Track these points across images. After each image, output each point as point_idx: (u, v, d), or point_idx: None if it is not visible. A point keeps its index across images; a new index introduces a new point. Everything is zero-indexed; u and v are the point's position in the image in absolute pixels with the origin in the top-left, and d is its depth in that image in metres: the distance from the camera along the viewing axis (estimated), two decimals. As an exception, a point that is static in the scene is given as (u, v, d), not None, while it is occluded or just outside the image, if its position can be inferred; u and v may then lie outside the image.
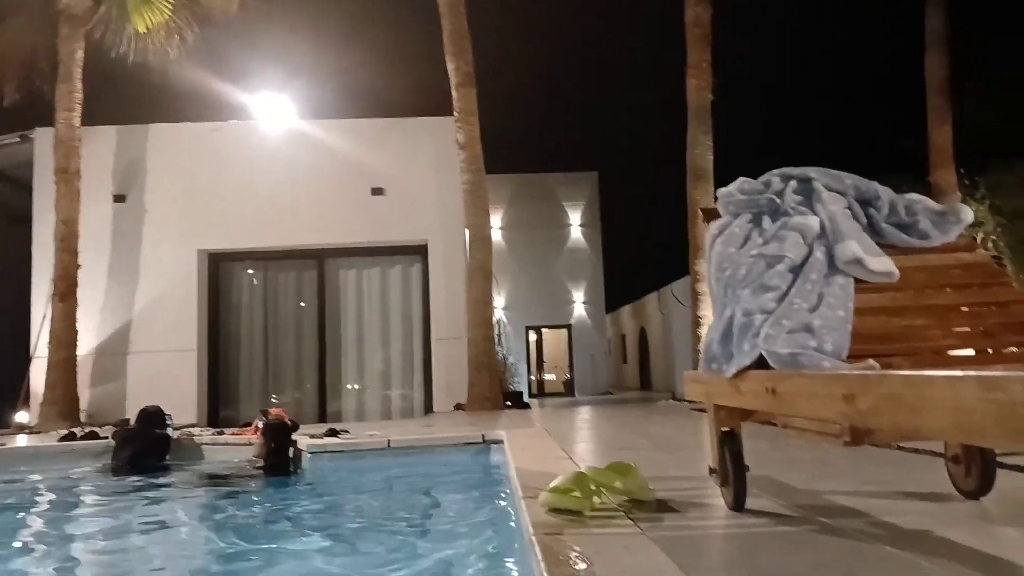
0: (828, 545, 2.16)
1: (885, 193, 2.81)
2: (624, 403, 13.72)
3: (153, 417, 6.98)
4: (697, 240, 11.09)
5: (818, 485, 3.19)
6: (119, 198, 12.02)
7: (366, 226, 12.11)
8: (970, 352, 2.33)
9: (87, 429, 8.72)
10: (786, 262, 2.54)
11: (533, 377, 24.03)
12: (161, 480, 6.23)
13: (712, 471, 2.84)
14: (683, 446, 5.07)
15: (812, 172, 2.89)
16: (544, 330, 23.86)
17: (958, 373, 1.23)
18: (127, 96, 14.08)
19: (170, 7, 11.51)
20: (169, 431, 7.12)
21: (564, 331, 22.94)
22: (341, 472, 5.92)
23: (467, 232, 11.81)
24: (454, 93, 11.98)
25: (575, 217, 22.74)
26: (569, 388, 22.78)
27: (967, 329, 2.37)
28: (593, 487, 2.82)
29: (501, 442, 5.88)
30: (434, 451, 6.17)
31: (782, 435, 2.26)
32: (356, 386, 12.40)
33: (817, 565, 1.94)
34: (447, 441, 6.23)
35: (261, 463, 5.83)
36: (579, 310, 22.46)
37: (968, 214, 2.78)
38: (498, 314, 18.90)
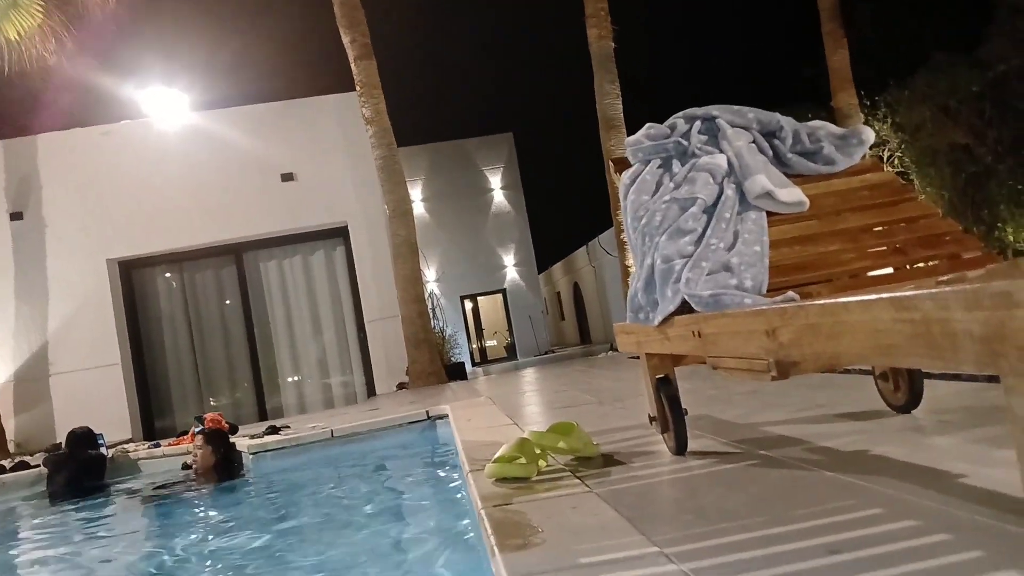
0: (770, 478, 2.19)
1: (788, 123, 2.82)
2: (565, 360, 13.85)
3: (83, 438, 6.71)
4: (615, 190, 11.16)
5: (756, 418, 3.24)
6: (16, 216, 11.40)
7: (281, 214, 11.79)
8: (888, 271, 2.37)
9: (16, 459, 8.33)
10: (699, 204, 2.53)
11: (474, 346, 24.06)
12: (100, 500, 6.01)
13: (652, 419, 2.85)
14: (624, 395, 5.12)
15: (715, 110, 2.88)
16: (479, 298, 23.87)
17: (871, 297, 1.22)
18: (10, 108, 13.29)
19: (41, 10, 10.82)
20: (103, 450, 6.87)
21: (499, 296, 22.99)
22: (286, 469, 5.79)
23: (387, 208, 11.61)
24: (353, 67, 11.67)
25: (495, 180, 22.65)
26: (511, 352, 22.91)
27: (880, 249, 2.41)
28: (537, 451, 2.80)
29: (446, 416, 5.84)
30: (380, 434, 6.10)
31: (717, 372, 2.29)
32: (294, 379, 12.17)
33: (760, 499, 1.95)
34: (391, 422, 6.16)
35: (199, 471, 5.66)
36: (511, 273, 22.51)
37: (869, 135, 2.81)
38: (430, 287, 18.78)
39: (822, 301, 1.46)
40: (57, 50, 11.34)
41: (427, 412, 6.15)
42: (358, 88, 11.68)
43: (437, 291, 20.92)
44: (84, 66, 12.38)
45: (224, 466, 5.59)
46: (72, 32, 11.47)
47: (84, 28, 11.74)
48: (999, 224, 11.21)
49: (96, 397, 10.88)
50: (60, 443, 8.51)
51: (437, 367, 11.47)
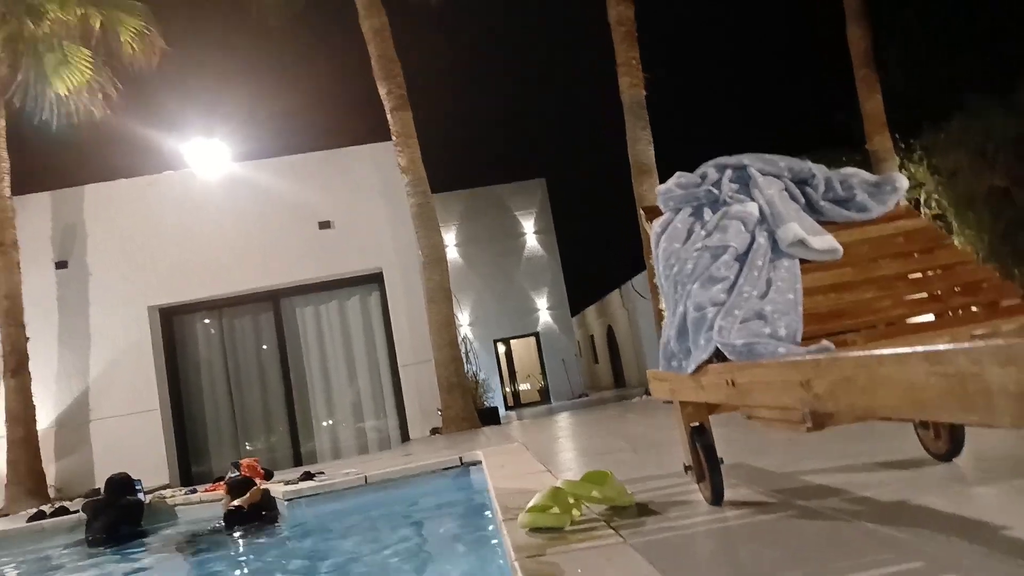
0: (808, 530, 2.15)
1: (819, 170, 2.83)
2: (599, 404, 13.73)
3: (121, 484, 6.81)
4: (648, 234, 11.18)
5: (793, 467, 3.19)
6: (61, 264, 11.74)
7: (318, 261, 11.99)
8: (925, 319, 2.34)
9: (56, 505, 8.45)
10: (731, 251, 2.53)
11: (507, 389, 23.98)
12: (139, 548, 6.06)
13: (687, 468, 2.82)
14: (659, 443, 5.06)
15: (746, 159, 2.90)
16: (512, 341, 23.85)
17: (905, 350, 1.22)
18: (58, 160, 13.79)
19: (90, 66, 11.29)
20: (140, 496, 6.95)
21: (532, 339, 22.94)
22: (321, 516, 5.80)
23: (421, 254, 11.74)
24: (390, 118, 11.93)
25: (528, 225, 22.80)
26: (544, 395, 22.77)
27: (916, 296, 2.39)
28: (571, 500, 2.78)
29: (479, 463, 5.82)
30: (413, 481, 6.08)
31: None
32: (329, 424, 12.23)
33: (798, 552, 1.92)
34: (424, 469, 6.15)
35: (231, 519, 5.70)
36: (544, 316, 22.49)
37: (903, 181, 2.81)
38: (463, 331, 18.83)
39: (856, 353, 1.46)
40: (104, 104, 11.78)
41: (460, 458, 6.13)
42: (394, 138, 11.92)
43: (470, 335, 20.98)
44: (129, 119, 12.82)
45: (234, 515, 5.59)
46: (118, 86, 11.93)
47: (130, 83, 12.20)
48: (1041, 268, 10.97)
49: (135, 442, 11.04)
50: (98, 488, 8.64)
51: (470, 412, 11.45)
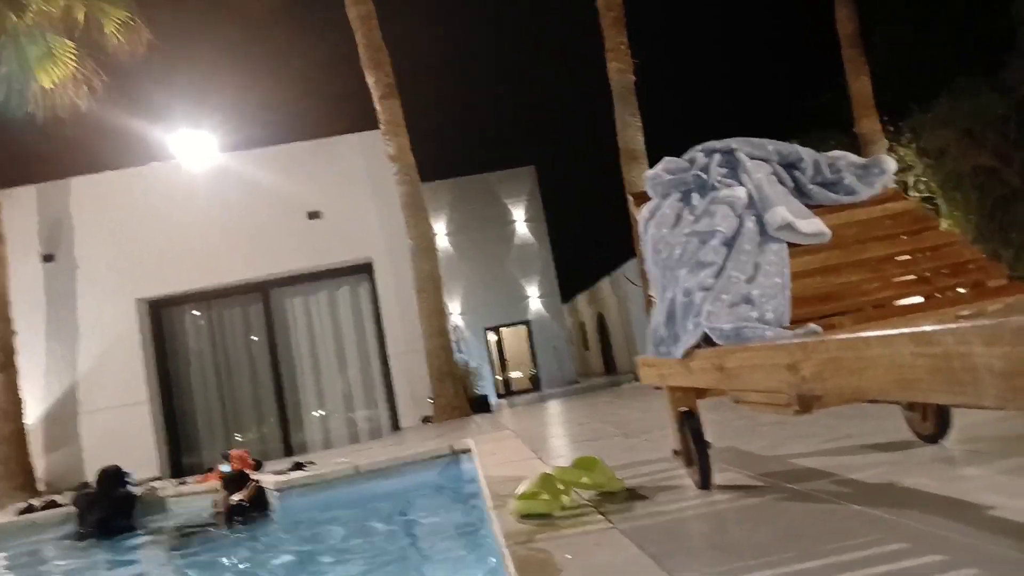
0: (797, 512, 2.16)
1: (807, 154, 2.83)
2: (590, 391, 13.76)
3: (112, 477, 6.76)
4: (637, 222, 11.18)
5: (781, 449, 3.20)
6: (48, 258, 11.64)
7: (307, 251, 11.93)
8: (912, 300, 2.34)
9: (46, 499, 8.40)
10: (719, 236, 2.53)
11: (499, 377, 23.99)
12: (131, 541, 6.04)
13: (676, 453, 2.83)
14: (649, 428, 5.07)
15: (734, 143, 2.89)
16: (503, 329, 23.85)
17: (892, 332, 1.21)
18: (44, 152, 13.65)
19: (74, 58, 11.14)
20: (131, 488, 6.91)
21: (523, 327, 22.95)
22: (312, 506, 5.79)
23: (411, 243, 11.69)
24: (378, 106, 11.85)
25: (518, 213, 22.76)
26: (536, 383, 22.80)
27: (903, 278, 2.39)
28: (561, 487, 2.78)
29: (470, 451, 5.82)
30: (404, 470, 6.08)
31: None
32: (319, 414, 12.21)
33: (787, 534, 1.92)
34: (415, 458, 6.15)
35: (218, 513, 5.68)
36: (535, 304, 22.49)
37: (891, 164, 2.80)
38: (454, 320, 18.82)
39: (843, 336, 1.45)
40: (89, 96, 11.65)
41: (451, 447, 6.13)
42: (382, 126, 11.85)
43: (461, 324, 20.96)
44: (115, 111, 12.69)
45: (237, 509, 5.58)
46: (103, 78, 11.79)
47: (115, 74, 12.06)
48: (1028, 248, 11.02)
49: (124, 435, 10.99)
50: (87, 482, 8.60)
51: (461, 400, 11.45)
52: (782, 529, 1.99)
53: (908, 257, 2.50)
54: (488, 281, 22.09)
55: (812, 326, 2.03)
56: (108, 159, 12.94)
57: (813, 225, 2.51)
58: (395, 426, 11.81)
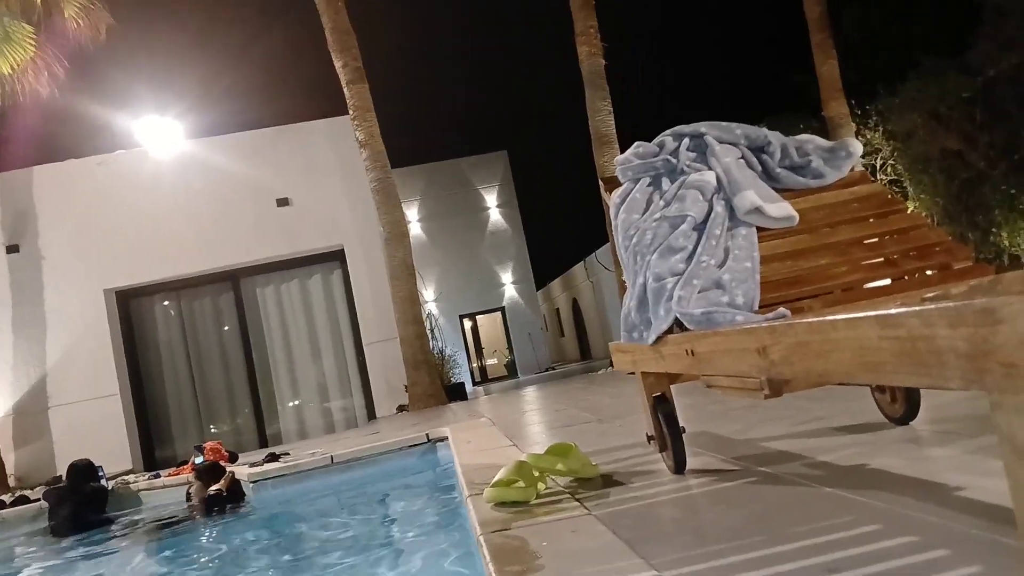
0: (769, 495, 2.18)
1: (775, 137, 2.83)
2: (565, 377, 13.82)
3: (83, 471, 6.70)
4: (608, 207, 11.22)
5: (754, 432, 3.23)
6: (12, 248, 11.42)
7: (277, 239, 11.81)
8: (880, 283, 2.36)
9: (17, 494, 8.29)
10: (689, 221, 2.53)
11: (475, 364, 24.01)
12: (104, 534, 5.98)
13: (650, 438, 2.84)
14: (623, 413, 5.10)
15: (703, 127, 2.88)
16: (478, 316, 23.85)
17: (857, 315, 1.22)
18: (6, 140, 13.34)
19: (34, 43, 10.88)
20: (103, 482, 6.85)
21: (498, 314, 22.96)
22: (287, 497, 5.76)
23: (383, 230, 11.62)
24: (346, 91, 11.73)
25: (491, 199, 22.71)
26: (512, 370, 22.86)
27: (871, 261, 2.41)
28: (536, 474, 2.78)
29: (446, 439, 5.82)
30: (380, 459, 6.07)
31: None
32: (294, 404, 12.14)
33: (759, 517, 1.94)
34: (391, 447, 6.13)
35: (194, 504, 5.65)
36: (510, 291, 22.50)
37: (857, 147, 2.82)
38: (428, 307, 18.76)
39: (810, 319, 1.46)
40: (50, 82, 11.40)
41: (427, 435, 6.13)
42: (351, 112, 11.73)
43: (436, 311, 20.91)
44: (77, 97, 12.44)
45: (216, 500, 5.56)
46: (64, 64, 11.54)
47: (77, 60, 11.81)
48: (994, 229, 11.23)
49: (96, 428, 10.85)
50: (60, 476, 8.49)
51: (437, 388, 11.44)
52: (754, 512, 2.01)
53: (876, 240, 2.52)
54: (462, 268, 22.04)
55: (781, 310, 2.03)
56: (72, 147, 12.70)
57: (782, 209, 2.52)
58: (371, 415, 11.77)
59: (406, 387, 11.36)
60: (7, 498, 8.06)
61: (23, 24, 10.87)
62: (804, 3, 13.50)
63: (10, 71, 10.83)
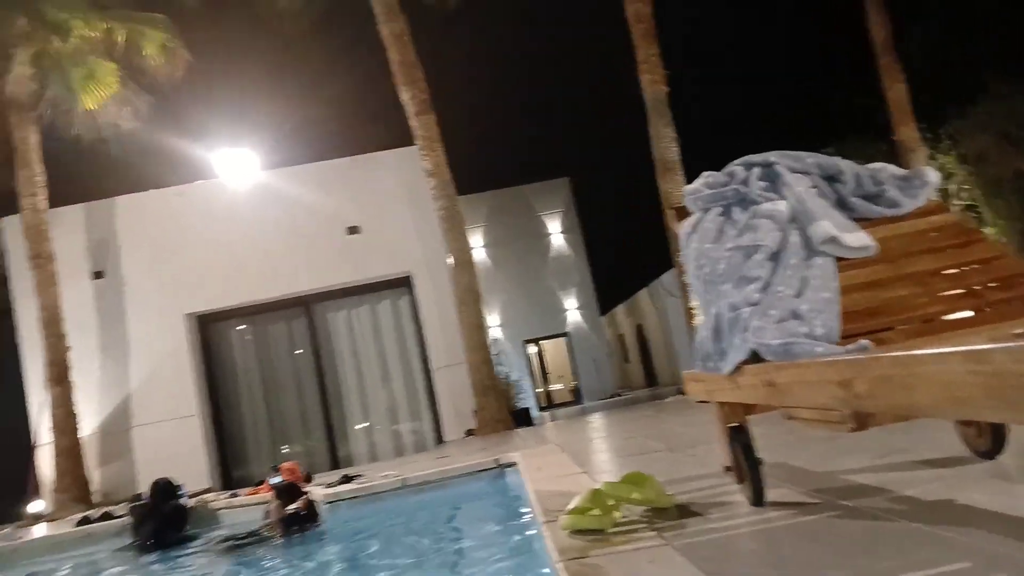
0: (851, 529, 2.15)
1: (848, 166, 2.82)
2: (633, 404, 13.71)
3: (164, 489, 6.91)
4: (675, 232, 11.16)
5: (833, 464, 3.18)
6: (98, 275, 11.99)
7: (347, 266, 12.11)
8: (963, 315, 2.32)
9: (102, 510, 8.65)
10: (763, 251, 2.54)
11: (540, 390, 23.96)
12: (185, 552, 6.17)
13: (727, 469, 2.83)
14: (696, 442, 5.06)
15: (773, 156, 2.89)
16: (543, 342, 23.84)
17: (945, 350, 1.23)
18: (91, 172, 14.07)
19: (116, 80, 11.48)
20: (183, 500, 7.06)
21: (563, 339, 22.91)
22: (361, 518, 5.87)
23: (449, 257, 11.81)
24: (413, 122, 12.01)
25: (554, 225, 22.77)
26: (577, 395, 22.73)
27: (952, 292, 2.38)
28: (611, 502, 2.80)
29: (515, 464, 5.85)
30: (450, 483, 6.13)
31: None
32: (364, 427, 12.34)
33: (843, 552, 1.93)
34: (461, 471, 6.19)
35: (271, 523, 5.78)
36: (574, 316, 22.45)
37: (933, 175, 2.78)
38: (494, 333, 18.88)
39: (895, 353, 1.47)
40: (132, 116, 12.00)
41: (496, 460, 6.17)
42: (418, 142, 12.01)
43: (501, 336, 21.01)
44: (158, 130, 13.05)
45: (294, 519, 5.68)
46: (145, 99, 12.15)
47: (157, 95, 12.41)
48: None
49: (175, 448, 11.24)
50: (140, 493, 8.80)
51: (504, 414, 11.50)
52: (838, 547, 2.00)
53: (956, 270, 2.49)
54: (526, 293, 22.11)
55: (863, 342, 2.03)
56: (153, 178, 13.30)
57: (859, 239, 2.51)
58: (439, 439, 11.89)
59: (474, 412, 11.45)
60: (93, 513, 8.41)
61: (106, 62, 11.48)
62: (870, 26, 13.28)
63: (95, 107, 11.44)
